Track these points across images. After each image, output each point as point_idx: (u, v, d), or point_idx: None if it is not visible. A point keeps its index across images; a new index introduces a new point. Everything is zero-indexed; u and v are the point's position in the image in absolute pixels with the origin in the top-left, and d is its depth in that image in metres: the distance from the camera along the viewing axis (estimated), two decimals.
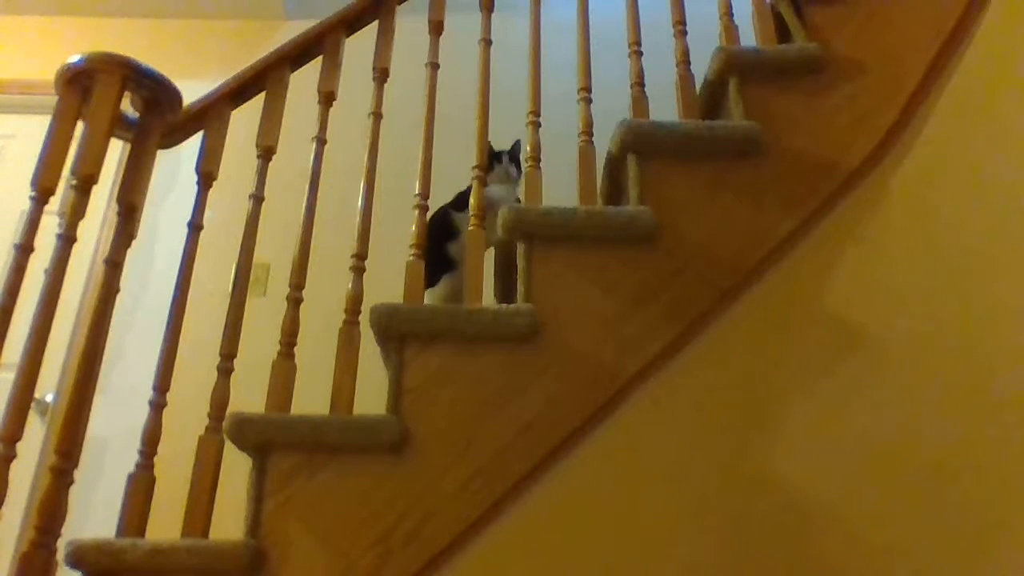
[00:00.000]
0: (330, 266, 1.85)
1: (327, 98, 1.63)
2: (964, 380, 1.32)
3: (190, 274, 1.47)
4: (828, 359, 1.34)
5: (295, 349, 1.42)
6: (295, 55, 1.67)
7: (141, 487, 1.31)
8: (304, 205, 1.53)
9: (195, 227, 1.50)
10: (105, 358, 1.36)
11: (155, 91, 1.48)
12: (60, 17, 3.22)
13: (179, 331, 1.42)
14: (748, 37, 1.68)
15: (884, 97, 1.52)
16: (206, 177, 1.54)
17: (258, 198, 1.53)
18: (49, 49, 3.09)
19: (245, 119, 1.68)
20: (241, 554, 1.21)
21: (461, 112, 1.84)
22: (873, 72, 1.54)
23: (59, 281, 1.31)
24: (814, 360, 1.35)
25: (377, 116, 1.61)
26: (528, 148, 1.57)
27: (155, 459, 1.34)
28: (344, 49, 1.69)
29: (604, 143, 1.59)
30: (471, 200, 1.51)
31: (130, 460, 1.33)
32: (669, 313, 1.36)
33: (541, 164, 1.56)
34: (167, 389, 1.38)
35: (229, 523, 1.32)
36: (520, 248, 1.43)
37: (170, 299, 1.44)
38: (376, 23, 1.71)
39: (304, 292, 1.46)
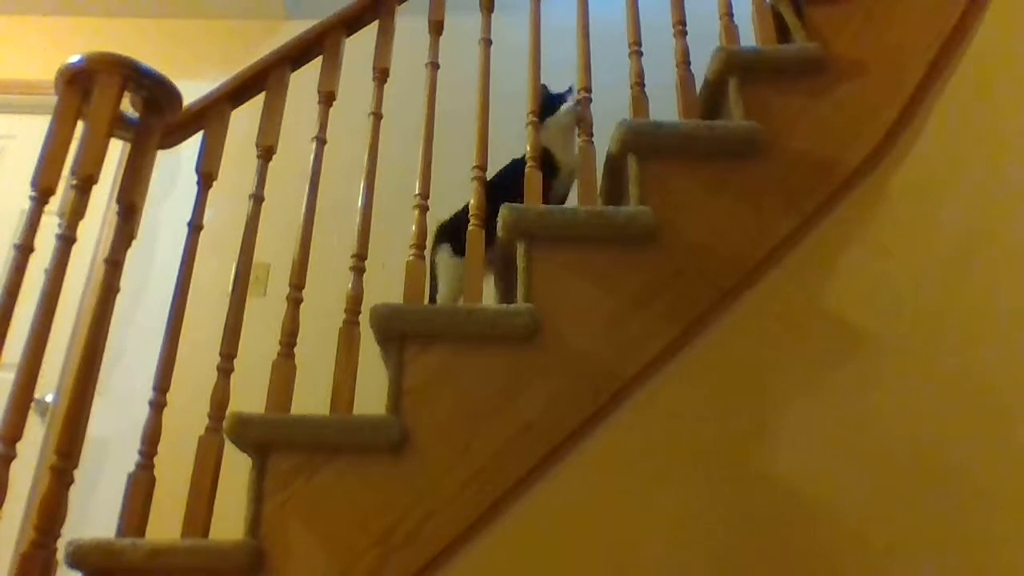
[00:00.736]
0: (330, 266, 1.85)
1: (327, 98, 1.63)
2: (964, 380, 1.32)
3: (190, 274, 1.47)
4: (828, 359, 1.34)
5: (295, 349, 1.42)
6: (295, 55, 1.67)
7: (141, 487, 1.31)
8: (304, 205, 1.53)
9: (195, 227, 1.50)
10: (105, 358, 1.36)
11: (155, 91, 1.48)
12: (60, 17, 3.22)
13: (179, 331, 1.42)
14: (748, 37, 1.68)
15: (884, 97, 1.52)
16: (206, 177, 1.54)
17: (258, 198, 1.53)
18: (49, 49, 3.09)
19: (245, 119, 1.68)
20: (241, 554, 1.21)
21: (461, 112, 1.84)
22: (873, 72, 1.54)
23: (59, 281, 1.31)
24: (814, 360, 1.35)
25: (377, 116, 1.61)
26: (529, 149, 1.57)
27: (155, 459, 1.34)
28: (344, 49, 1.69)
29: (604, 143, 1.59)
30: (472, 201, 1.52)
31: (130, 460, 1.33)
32: (669, 313, 1.36)
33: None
34: (167, 389, 1.38)
35: (229, 523, 1.31)
36: (520, 248, 1.43)
37: (170, 299, 1.44)
38: (376, 23, 1.71)
39: (304, 292, 1.46)
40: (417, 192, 1.53)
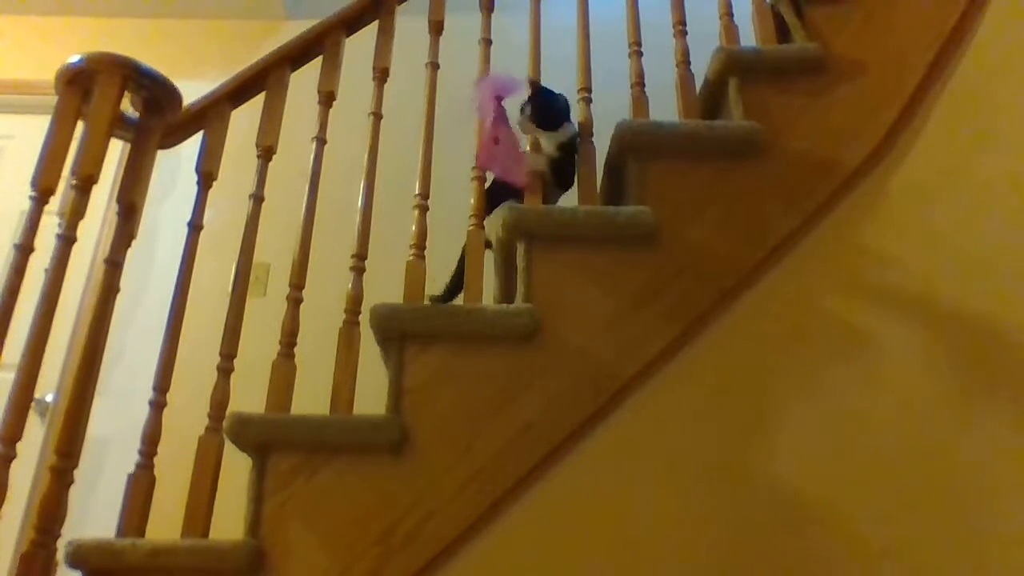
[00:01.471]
0: (330, 266, 1.84)
1: (327, 98, 1.63)
2: (964, 380, 1.32)
3: (190, 274, 1.47)
4: (829, 358, 1.34)
5: (295, 349, 1.42)
6: (295, 55, 1.67)
7: (141, 487, 1.31)
8: (304, 205, 1.53)
9: (195, 227, 1.50)
10: (105, 358, 1.36)
11: (155, 91, 1.48)
12: (60, 17, 3.22)
13: (179, 331, 1.42)
14: (748, 37, 1.68)
15: (884, 97, 1.52)
16: (206, 177, 1.54)
17: (258, 198, 1.53)
18: (49, 49, 3.09)
19: (245, 119, 1.68)
20: (241, 554, 1.21)
21: (461, 112, 1.84)
22: (873, 72, 1.54)
23: (59, 281, 1.31)
24: (814, 360, 1.35)
25: (377, 116, 1.61)
26: (529, 149, 1.56)
27: (155, 459, 1.34)
28: (344, 49, 1.69)
29: (604, 143, 1.59)
30: (472, 201, 1.52)
31: (130, 460, 1.33)
32: (669, 313, 1.36)
33: None
34: (167, 389, 1.38)
35: (229, 523, 1.31)
36: (520, 248, 1.43)
37: (170, 299, 1.44)
38: (376, 23, 1.71)
39: (304, 292, 1.46)
40: (417, 192, 1.53)
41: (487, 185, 1.56)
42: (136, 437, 1.34)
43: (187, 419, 1.54)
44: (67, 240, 1.33)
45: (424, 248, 1.49)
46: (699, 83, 1.68)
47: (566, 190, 1.66)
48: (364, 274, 1.48)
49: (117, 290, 1.39)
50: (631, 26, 1.69)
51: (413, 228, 1.50)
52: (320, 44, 1.68)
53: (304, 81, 1.70)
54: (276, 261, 2.53)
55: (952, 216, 1.44)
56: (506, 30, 2.02)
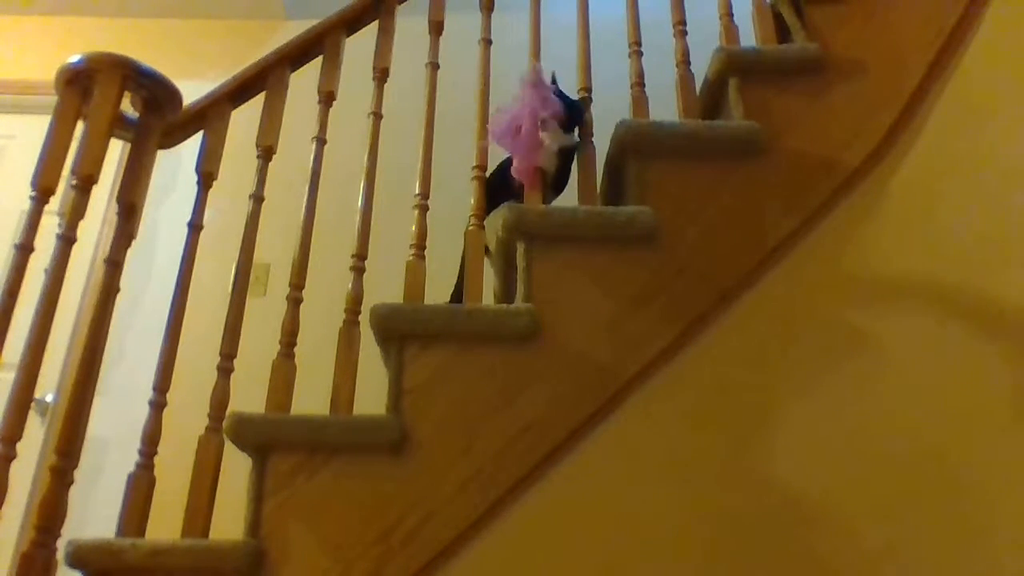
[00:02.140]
0: (330, 266, 1.85)
1: (327, 98, 1.63)
2: (963, 379, 1.32)
3: (190, 274, 1.47)
4: (828, 359, 1.34)
5: (295, 349, 1.42)
6: (295, 55, 1.67)
7: (141, 487, 1.31)
8: (304, 205, 1.53)
9: (195, 227, 1.50)
10: (105, 358, 1.36)
11: (155, 91, 1.48)
12: (60, 17, 3.22)
13: (179, 331, 1.42)
14: (748, 37, 1.68)
15: (884, 97, 1.52)
16: (206, 177, 1.54)
17: (258, 198, 1.53)
18: (49, 49, 3.09)
19: (245, 119, 1.68)
20: (241, 554, 1.21)
21: (461, 112, 1.84)
22: (873, 72, 1.54)
23: (59, 281, 1.31)
24: (814, 360, 1.35)
25: (377, 116, 1.61)
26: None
27: (155, 459, 1.34)
28: (344, 49, 1.69)
29: (604, 143, 1.59)
30: (472, 201, 1.52)
31: (130, 460, 1.33)
32: (669, 313, 1.36)
33: None
34: (167, 389, 1.38)
35: (229, 523, 1.31)
36: (520, 248, 1.43)
37: (170, 299, 1.44)
38: (376, 23, 1.71)
39: (304, 292, 1.46)
40: (417, 192, 1.53)
41: (487, 175, 1.56)
42: (136, 437, 1.34)
43: (187, 419, 1.54)
44: (67, 240, 1.33)
45: (424, 248, 1.49)
46: (699, 83, 1.68)
47: (559, 193, 1.67)
48: (364, 274, 1.48)
49: (117, 290, 1.39)
50: (631, 26, 1.69)
51: (413, 228, 1.50)
52: (320, 44, 1.68)
53: (304, 81, 1.70)
54: (276, 261, 2.53)
55: (952, 216, 1.44)
56: (506, 30, 2.02)
